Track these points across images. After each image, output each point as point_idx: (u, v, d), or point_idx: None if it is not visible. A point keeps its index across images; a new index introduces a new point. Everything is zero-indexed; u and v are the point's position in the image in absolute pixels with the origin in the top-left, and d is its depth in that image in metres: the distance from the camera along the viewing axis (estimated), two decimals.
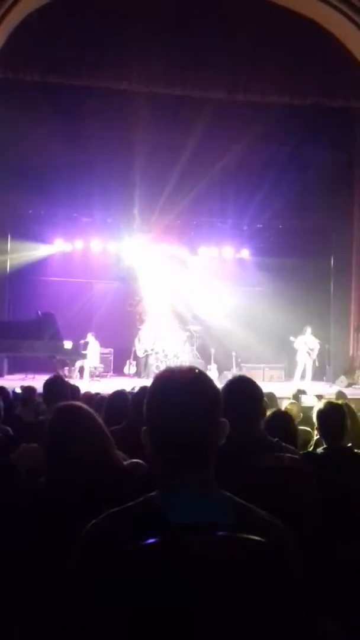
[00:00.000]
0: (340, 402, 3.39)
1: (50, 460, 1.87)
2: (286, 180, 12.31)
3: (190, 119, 11.52)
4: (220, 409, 1.18)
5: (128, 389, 5.58)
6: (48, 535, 1.60)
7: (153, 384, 1.21)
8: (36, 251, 14.15)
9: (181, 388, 1.15)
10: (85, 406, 1.97)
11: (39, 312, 11.49)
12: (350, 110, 11.43)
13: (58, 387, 3.60)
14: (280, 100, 10.76)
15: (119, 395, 3.78)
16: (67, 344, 11.62)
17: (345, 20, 10.21)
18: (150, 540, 1.00)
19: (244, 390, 1.98)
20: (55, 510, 1.68)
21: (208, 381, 1.19)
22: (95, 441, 1.83)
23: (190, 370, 1.21)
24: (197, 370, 1.22)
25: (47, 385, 3.67)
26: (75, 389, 4.76)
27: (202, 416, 1.13)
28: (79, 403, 2.05)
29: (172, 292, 15.74)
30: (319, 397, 5.29)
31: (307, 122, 11.30)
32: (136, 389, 4.16)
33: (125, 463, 1.97)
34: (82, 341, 12.63)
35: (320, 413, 2.59)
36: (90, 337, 12.89)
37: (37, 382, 8.29)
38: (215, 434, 1.15)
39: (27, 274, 13.98)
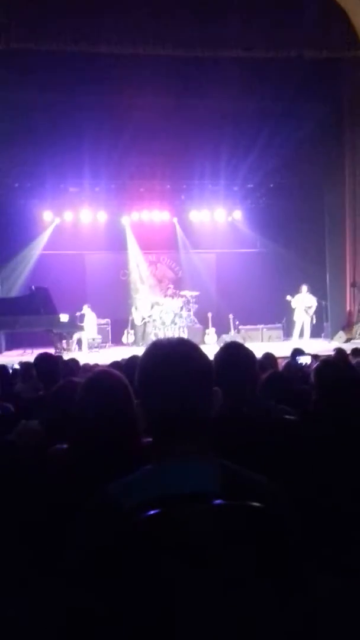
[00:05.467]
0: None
1: (74, 428, 1.84)
2: (275, 138, 12.10)
3: (177, 80, 11.22)
4: (212, 378, 1.18)
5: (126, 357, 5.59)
6: (62, 505, 1.58)
7: (143, 357, 1.21)
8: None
9: (171, 359, 1.15)
10: (122, 377, 1.88)
11: (33, 287, 11.45)
12: (338, 61, 11.17)
13: (48, 363, 3.59)
14: (266, 55, 10.47)
15: (116, 367, 3.78)
16: (64, 317, 11.62)
17: None
18: (147, 514, 1.00)
19: (235, 356, 1.97)
20: (74, 477, 1.68)
21: (198, 351, 1.19)
22: (124, 414, 1.78)
23: (179, 341, 1.21)
24: (186, 341, 1.22)
25: (37, 362, 3.68)
26: (70, 362, 4.76)
27: (193, 386, 1.12)
28: (115, 372, 1.96)
29: (166, 257, 15.68)
30: (315, 356, 5.29)
31: (295, 77, 11.02)
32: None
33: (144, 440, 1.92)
34: (78, 313, 12.64)
35: (317, 371, 2.59)
36: (86, 309, 12.88)
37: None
38: (207, 403, 1.15)
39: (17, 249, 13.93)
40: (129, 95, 11.58)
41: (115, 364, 4.04)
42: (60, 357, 6.50)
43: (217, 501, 1.03)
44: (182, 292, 13.91)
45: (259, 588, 1.01)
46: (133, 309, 13.62)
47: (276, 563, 1.04)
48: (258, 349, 5.39)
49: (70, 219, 14.81)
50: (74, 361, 5.90)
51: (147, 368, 1.17)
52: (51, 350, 9.65)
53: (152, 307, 13.52)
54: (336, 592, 1.47)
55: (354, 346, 7.20)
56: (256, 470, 1.16)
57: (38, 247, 14.40)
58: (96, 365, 6.14)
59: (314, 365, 3.25)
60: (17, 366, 6.22)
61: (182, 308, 13.45)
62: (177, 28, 10.11)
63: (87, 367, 5.86)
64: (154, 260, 15.66)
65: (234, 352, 2.00)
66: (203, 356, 1.19)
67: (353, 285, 12.87)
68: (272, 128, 11.96)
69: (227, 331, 13.45)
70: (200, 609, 0.98)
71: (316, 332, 12.85)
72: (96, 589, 1.00)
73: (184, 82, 11.24)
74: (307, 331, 12.45)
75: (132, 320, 13.50)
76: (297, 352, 5.44)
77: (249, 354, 2.01)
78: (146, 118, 11.74)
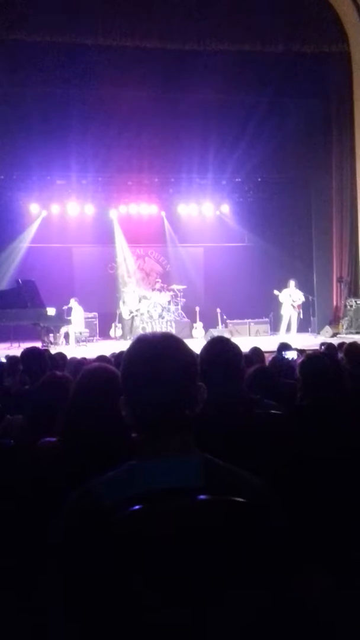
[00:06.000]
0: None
1: (69, 423, 1.83)
2: (263, 132, 12.10)
3: (165, 73, 11.18)
4: (196, 374, 1.17)
5: (116, 352, 5.58)
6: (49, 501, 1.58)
7: (127, 352, 1.20)
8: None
9: (155, 354, 1.14)
10: (116, 371, 1.89)
11: (20, 280, 11.38)
12: (326, 56, 11.19)
13: (36, 357, 3.58)
14: (252, 48, 10.47)
15: (104, 361, 3.77)
16: (51, 311, 11.56)
17: None
18: (130, 509, 1.01)
19: (221, 351, 1.97)
20: (64, 470, 1.68)
21: (182, 345, 1.18)
22: (118, 409, 1.77)
23: (164, 336, 1.20)
24: (171, 336, 1.21)
25: (24, 356, 3.66)
26: (57, 357, 4.73)
27: (177, 382, 1.12)
28: (110, 367, 1.96)
29: (153, 251, 15.65)
30: (301, 351, 5.32)
31: (282, 72, 11.02)
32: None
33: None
34: (65, 307, 12.57)
35: (302, 365, 2.61)
36: (73, 303, 12.81)
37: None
38: (191, 399, 1.15)
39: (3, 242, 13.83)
40: (117, 88, 11.52)
41: (101, 358, 4.02)
42: (47, 350, 6.47)
43: (201, 496, 1.03)
44: (171, 286, 13.89)
45: (242, 583, 1.02)
46: (121, 303, 13.59)
47: (261, 558, 1.04)
48: (245, 343, 5.41)
49: (58, 212, 14.71)
50: (61, 355, 5.88)
51: (132, 363, 1.17)
52: (38, 344, 9.61)
53: (139, 300, 13.50)
54: (324, 587, 1.48)
55: (340, 341, 7.25)
56: (241, 465, 1.16)
57: (25, 240, 14.31)
58: (83, 359, 6.12)
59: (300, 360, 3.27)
60: (3, 360, 6.17)
61: (169, 302, 13.45)
62: (164, 21, 10.09)
63: (73, 361, 5.84)
64: (142, 254, 15.62)
65: (219, 347, 2.00)
66: (188, 351, 1.18)
67: (339, 280, 12.94)
68: (260, 122, 11.96)
69: (214, 325, 13.47)
70: (184, 605, 0.98)
71: (303, 326, 12.91)
72: (82, 586, 1.00)
73: (172, 75, 11.20)
74: (294, 326, 12.51)
75: (120, 314, 13.48)
76: (284, 346, 5.47)
77: (235, 348, 2.01)
78: (134, 111, 11.68)
